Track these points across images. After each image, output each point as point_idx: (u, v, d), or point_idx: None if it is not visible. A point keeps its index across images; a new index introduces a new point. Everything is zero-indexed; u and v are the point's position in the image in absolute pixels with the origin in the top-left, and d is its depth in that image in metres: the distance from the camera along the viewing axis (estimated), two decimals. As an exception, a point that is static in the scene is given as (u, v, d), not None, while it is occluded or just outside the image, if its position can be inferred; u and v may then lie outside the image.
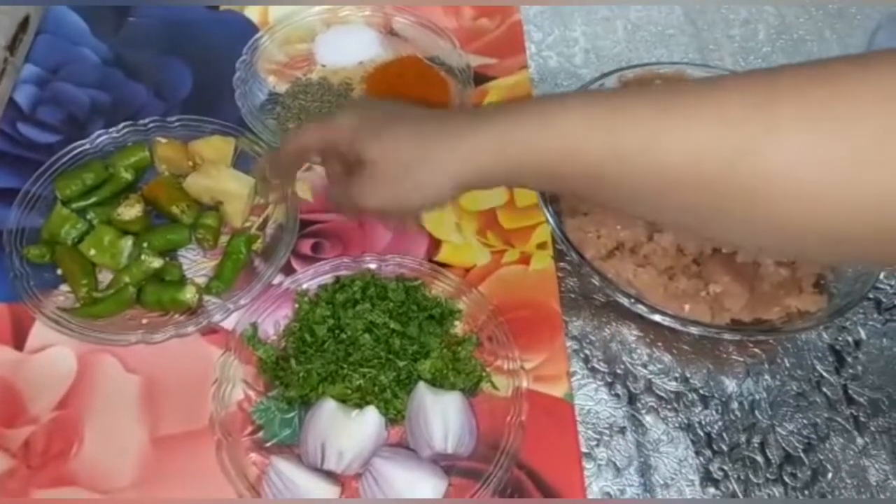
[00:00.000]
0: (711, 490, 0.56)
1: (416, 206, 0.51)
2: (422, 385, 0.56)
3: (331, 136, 0.53)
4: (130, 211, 0.65)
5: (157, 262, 0.62)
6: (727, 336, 0.60)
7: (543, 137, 0.43)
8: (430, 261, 0.65)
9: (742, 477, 0.57)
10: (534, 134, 0.43)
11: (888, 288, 0.67)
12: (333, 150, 0.53)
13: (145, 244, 0.64)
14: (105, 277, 0.63)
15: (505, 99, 0.77)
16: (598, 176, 0.42)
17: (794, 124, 0.35)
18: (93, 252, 0.63)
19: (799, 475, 0.57)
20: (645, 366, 0.62)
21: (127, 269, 0.62)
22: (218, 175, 0.66)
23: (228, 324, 0.61)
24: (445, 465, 0.55)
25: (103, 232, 0.63)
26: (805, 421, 0.60)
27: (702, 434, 0.59)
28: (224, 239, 0.65)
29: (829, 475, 0.57)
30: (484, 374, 0.59)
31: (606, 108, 0.42)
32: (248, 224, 0.66)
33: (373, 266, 0.63)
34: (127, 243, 0.63)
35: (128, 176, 0.67)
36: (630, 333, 0.63)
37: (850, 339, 0.64)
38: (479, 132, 0.46)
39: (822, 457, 0.58)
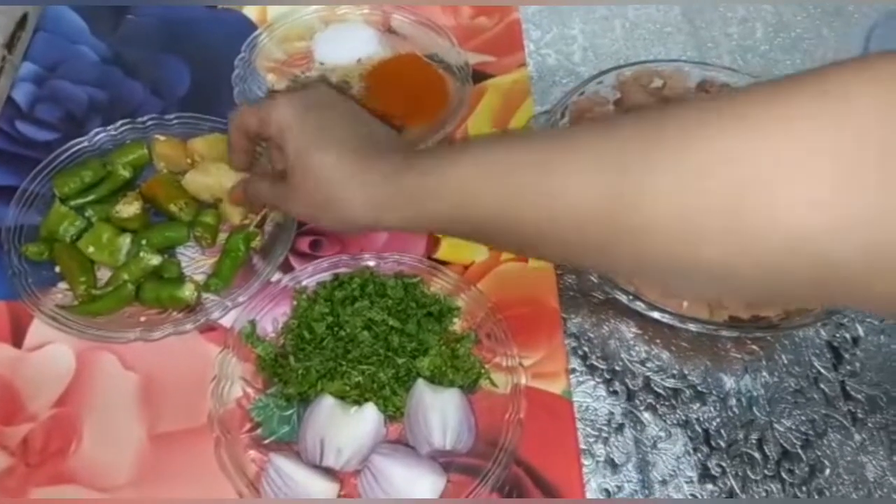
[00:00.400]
0: (709, 486, 0.56)
1: (335, 230, 0.54)
2: (421, 382, 0.56)
3: (264, 131, 0.54)
4: (129, 209, 0.65)
5: (155, 260, 0.62)
6: (725, 333, 0.60)
7: (443, 188, 0.45)
8: (429, 258, 0.65)
9: (740, 473, 0.57)
10: (435, 184, 0.45)
11: (886, 285, 0.67)
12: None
13: (143, 241, 0.63)
14: (103, 275, 0.63)
15: (504, 97, 0.77)
16: (492, 222, 0.43)
17: (669, 165, 0.35)
18: (91, 249, 0.63)
19: (797, 471, 0.57)
20: (643, 363, 0.62)
21: (125, 267, 0.62)
22: (217, 172, 0.66)
23: (227, 321, 0.61)
24: (444, 461, 0.55)
25: (102, 229, 0.63)
26: (803, 417, 0.60)
27: (700, 431, 0.59)
28: (222, 237, 0.65)
29: (827, 471, 0.57)
30: (483, 371, 0.59)
31: (498, 156, 0.43)
32: (246, 221, 0.66)
33: (371, 263, 0.63)
34: (125, 241, 0.63)
35: (126, 174, 0.67)
36: (628, 330, 0.63)
37: (847, 336, 0.64)
38: (389, 180, 0.48)
39: (819, 453, 0.58)
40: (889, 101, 0.30)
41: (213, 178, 0.66)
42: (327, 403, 0.54)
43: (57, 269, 0.63)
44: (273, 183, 0.56)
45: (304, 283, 0.62)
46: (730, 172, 0.33)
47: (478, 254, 0.66)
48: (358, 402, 0.55)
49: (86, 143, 0.69)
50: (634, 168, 0.36)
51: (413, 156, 0.49)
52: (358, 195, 0.48)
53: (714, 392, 0.60)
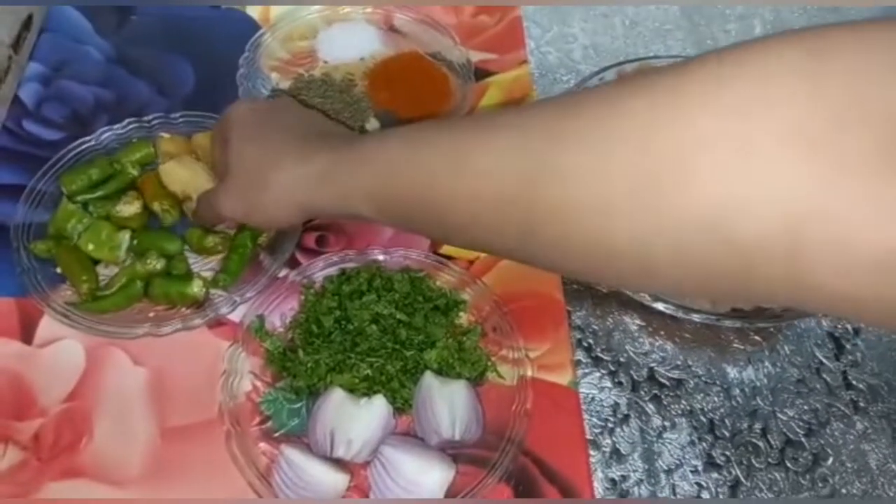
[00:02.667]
0: (714, 475, 0.57)
1: (264, 224, 0.54)
2: (428, 374, 0.56)
3: (216, 132, 0.56)
4: (129, 208, 0.65)
5: (160, 264, 0.63)
6: (728, 324, 0.61)
7: (366, 166, 0.44)
8: (435, 253, 0.66)
9: (744, 462, 0.58)
10: (355, 167, 0.45)
11: (885, 276, 0.68)
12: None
13: (135, 242, 0.64)
14: (104, 273, 0.64)
15: (506, 94, 0.78)
16: (414, 202, 0.42)
17: (583, 141, 0.33)
18: (91, 247, 0.63)
19: (800, 460, 0.58)
20: (647, 354, 0.62)
21: (131, 269, 0.63)
22: (190, 167, 0.66)
23: (235, 316, 0.62)
24: (453, 452, 0.55)
25: (100, 227, 0.64)
26: (805, 407, 0.61)
27: (704, 420, 0.59)
28: (216, 239, 0.65)
29: (830, 460, 0.58)
30: (489, 363, 0.59)
31: (423, 135, 0.43)
32: (230, 229, 0.66)
33: (378, 258, 0.64)
34: (124, 237, 0.64)
35: (134, 172, 0.68)
36: (632, 322, 0.64)
37: (848, 326, 0.65)
38: (317, 160, 0.47)
39: (822, 442, 0.59)
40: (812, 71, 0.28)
41: (187, 171, 0.66)
42: (337, 396, 0.55)
43: (58, 269, 0.63)
44: (210, 190, 0.56)
45: (311, 277, 0.63)
46: (644, 145, 0.31)
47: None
48: (367, 395, 0.56)
49: (93, 142, 0.69)
50: (551, 145, 0.35)
51: (346, 139, 0.49)
52: (287, 174, 0.48)
53: (718, 382, 0.61)
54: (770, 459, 0.58)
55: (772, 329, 0.64)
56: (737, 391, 0.61)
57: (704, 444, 0.58)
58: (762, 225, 0.28)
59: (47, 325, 0.61)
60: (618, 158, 0.32)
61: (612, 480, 0.57)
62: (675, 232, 0.31)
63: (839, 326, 0.65)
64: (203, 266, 0.65)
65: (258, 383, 0.59)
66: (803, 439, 0.59)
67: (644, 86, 0.33)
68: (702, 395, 0.61)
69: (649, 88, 0.32)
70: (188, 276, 0.63)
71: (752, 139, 0.28)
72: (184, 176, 0.66)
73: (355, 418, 0.54)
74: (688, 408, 0.60)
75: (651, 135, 0.31)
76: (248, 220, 0.55)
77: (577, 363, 0.61)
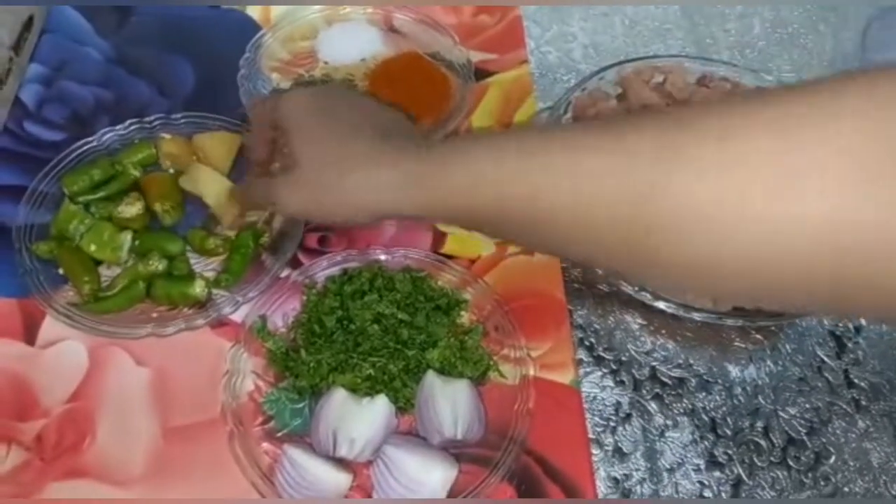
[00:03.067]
0: (717, 474, 0.57)
1: (334, 222, 0.53)
2: (431, 373, 0.56)
3: (275, 119, 0.53)
4: (131, 209, 0.65)
5: (162, 265, 0.63)
6: (729, 322, 0.61)
7: (464, 168, 0.44)
8: (436, 252, 0.66)
9: (746, 460, 0.58)
10: (443, 176, 0.44)
11: (886, 275, 0.68)
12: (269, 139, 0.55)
13: (137, 242, 0.64)
14: (107, 274, 0.64)
15: (506, 94, 0.78)
16: (513, 206, 0.42)
17: (700, 162, 0.35)
18: (93, 248, 0.63)
19: (802, 458, 0.58)
20: (649, 353, 0.62)
21: (133, 270, 0.63)
22: (207, 174, 0.67)
23: (238, 316, 0.62)
24: (455, 452, 0.55)
25: (102, 227, 0.64)
26: (807, 405, 0.61)
27: (706, 419, 0.59)
28: (217, 241, 0.65)
29: (832, 458, 0.58)
30: (491, 362, 0.59)
31: (527, 139, 0.42)
32: (235, 225, 0.66)
33: (380, 258, 0.64)
34: (126, 237, 0.64)
35: (136, 173, 0.68)
36: (634, 322, 0.64)
37: (850, 324, 0.65)
38: (402, 162, 0.47)
39: (824, 440, 0.59)
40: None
41: (206, 178, 0.67)
42: (339, 395, 0.55)
43: (60, 270, 0.63)
44: (270, 180, 0.54)
45: (313, 277, 0.63)
46: (762, 167, 0.33)
47: (484, 248, 0.67)
48: (369, 394, 0.56)
49: (94, 143, 0.69)
50: (665, 158, 0.35)
51: (429, 141, 0.49)
52: (366, 178, 0.47)
53: (719, 381, 0.61)
54: (772, 458, 0.58)
55: (773, 327, 0.64)
56: (738, 390, 0.61)
57: (706, 442, 0.58)
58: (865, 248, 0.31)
59: (50, 326, 0.61)
60: (735, 178, 0.34)
61: (615, 479, 0.57)
62: (785, 248, 0.33)
63: (840, 325, 0.65)
64: (205, 266, 0.65)
65: (260, 383, 0.59)
66: (805, 438, 0.59)
67: (757, 109, 0.35)
68: (704, 393, 0.61)
69: (761, 112, 0.34)
70: (190, 276, 0.63)
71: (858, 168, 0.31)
72: (200, 182, 0.67)
73: (358, 418, 0.54)
74: (690, 406, 0.60)
75: (768, 159, 0.33)
76: (307, 216, 0.56)
77: (579, 362, 0.62)
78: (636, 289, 0.60)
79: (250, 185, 0.59)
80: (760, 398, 0.61)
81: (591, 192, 0.38)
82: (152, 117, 0.71)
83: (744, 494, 0.56)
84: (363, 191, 0.48)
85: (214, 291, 0.63)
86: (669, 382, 0.61)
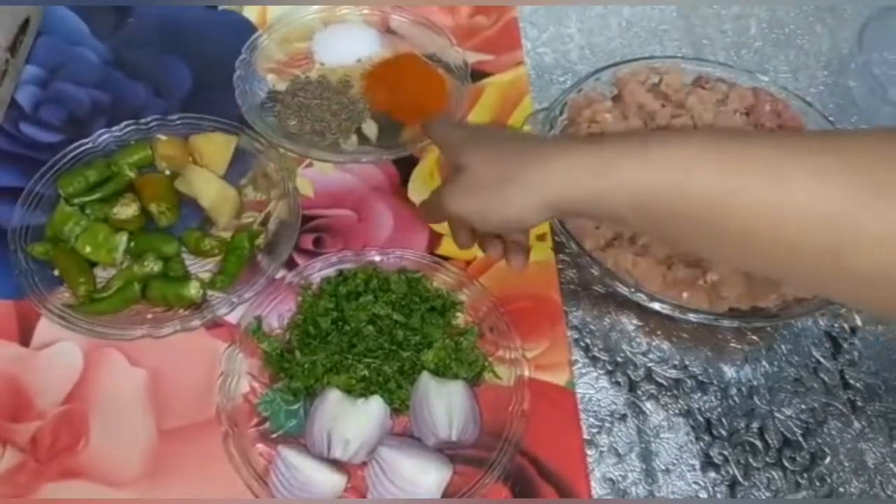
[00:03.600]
0: (712, 474, 0.57)
1: (499, 222, 0.50)
2: (426, 374, 0.56)
3: (442, 138, 0.55)
4: (126, 210, 0.65)
5: (157, 266, 0.63)
6: (725, 323, 0.60)
7: (644, 167, 0.42)
8: (432, 253, 0.66)
9: (742, 461, 0.58)
10: (635, 162, 0.43)
11: (882, 275, 0.68)
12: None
13: (132, 244, 0.64)
14: (102, 275, 0.64)
15: (503, 95, 0.78)
16: (705, 210, 0.41)
17: None
18: (88, 249, 0.63)
19: (798, 459, 0.58)
20: (645, 354, 0.62)
21: (128, 271, 0.63)
22: (202, 176, 0.67)
23: (233, 318, 0.62)
24: (450, 453, 0.55)
25: (98, 229, 0.64)
26: (803, 406, 0.61)
27: (701, 420, 0.59)
28: (213, 242, 0.65)
29: (828, 459, 0.58)
30: (486, 364, 0.59)
31: (717, 146, 0.41)
32: (230, 226, 0.67)
33: (375, 259, 0.64)
34: (122, 239, 0.64)
35: (131, 174, 0.68)
36: (630, 322, 0.64)
37: (845, 325, 0.65)
38: (576, 155, 0.45)
39: (820, 441, 0.59)
40: None
41: (201, 179, 0.67)
42: (334, 397, 0.55)
43: (56, 271, 0.63)
44: (438, 188, 0.54)
45: (308, 279, 0.63)
46: None
47: (479, 249, 0.67)
48: (364, 395, 0.56)
49: (90, 145, 0.69)
50: (865, 190, 0.37)
51: (585, 139, 0.49)
52: (538, 169, 0.46)
53: (715, 382, 0.61)
54: (768, 459, 0.58)
55: (769, 328, 0.64)
56: (734, 391, 0.61)
57: (702, 443, 0.58)
58: None
59: (45, 328, 0.61)
60: None
61: (610, 480, 0.57)
62: None
63: (836, 326, 0.65)
64: (200, 268, 0.65)
65: (256, 384, 0.59)
66: (801, 438, 0.59)
67: None
68: (699, 394, 0.61)
69: None
70: (185, 277, 0.63)
71: None
72: (196, 183, 0.67)
73: (352, 419, 0.54)
74: (685, 407, 0.60)
75: None
76: (481, 219, 0.50)
77: (575, 363, 0.62)
78: (632, 290, 0.60)
79: (427, 201, 0.58)
80: (756, 399, 0.61)
81: (791, 204, 0.38)
82: (148, 119, 0.72)
83: (739, 495, 0.56)
84: (536, 181, 0.46)
85: (210, 293, 0.63)
86: (665, 383, 0.61)
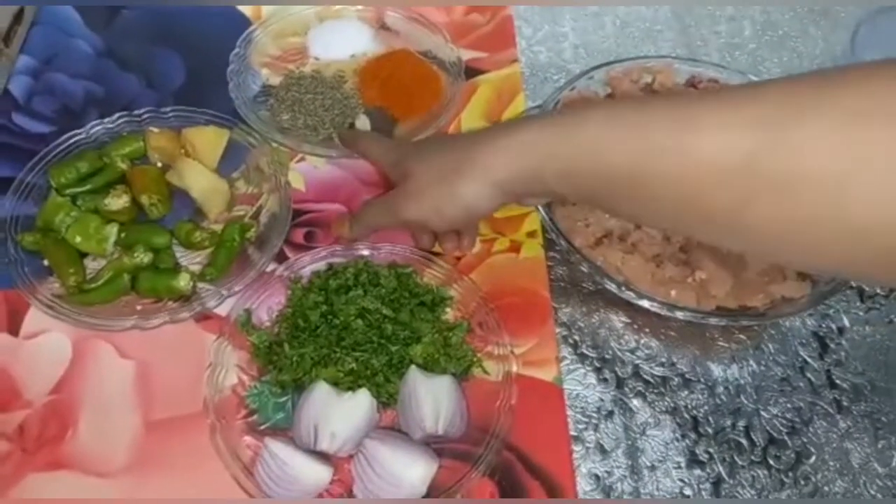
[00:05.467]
0: (697, 472, 0.57)
1: (455, 216, 0.53)
2: (413, 368, 0.56)
3: (377, 156, 0.61)
4: (117, 202, 0.65)
5: (147, 258, 0.63)
6: (713, 321, 0.61)
7: (569, 140, 0.45)
8: (422, 249, 0.66)
9: (727, 459, 0.58)
10: (560, 136, 0.45)
11: (870, 277, 0.68)
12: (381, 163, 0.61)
13: (123, 235, 0.64)
14: (93, 266, 0.64)
15: (496, 92, 0.78)
16: (619, 178, 0.43)
17: (821, 120, 0.35)
18: (78, 240, 0.63)
19: (783, 457, 0.58)
20: (632, 351, 0.63)
21: (118, 262, 0.63)
22: (193, 168, 0.67)
23: (222, 310, 0.62)
24: (437, 447, 0.55)
25: (88, 220, 0.64)
26: (789, 405, 0.61)
27: (688, 417, 0.60)
28: (203, 235, 0.65)
29: (813, 458, 0.58)
30: (475, 359, 0.59)
31: (630, 111, 0.43)
32: (221, 218, 0.67)
33: (365, 253, 0.64)
34: (112, 230, 0.64)
35: (123, 166, 0.68)
36: (618, 320, 0.64)
37: (833, 326, 0.65)
38: (510, 137, 0.48)
39: (805, 440, 0.59)
40: None
41: (193, 172, 0.67)
42: (321, 389, 0.55)
43: (45, 262, 0.63)
44: (384, 197, 0.58)
45: (298, 272, 0.63)
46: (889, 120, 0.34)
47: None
48: (352, 389, 0.56)
49: (83, 136, 0.69)
50: (782, 122, 0.36)
51: (520, 122, 0.50)
52: (483, 156, 0.49)
53: (702, 380, 0.61)
54: (753, 457, 0.58)
55: (756, 328, 0.64)
56: (721, 389, 0.61)
57: (688, 440, 0.59)
58: None
59: (34, 317, 0.61)
60: (857, 133, 0.34)
61: (596, 476, 0.57)
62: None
63: (824, 326, 0.65)
64: (191, 260, 0.65)
65: (244, 377, 0.59)
66: (786, 437, 0.59)
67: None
68: (686, 392, 0.61)
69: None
70: (175, 269, 0.63)
71: None
72: (187, 176, 0.67)
73: (339, 412, 0.54)
74: (672, 405, 0.60)
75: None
76: (438, 217, 0.54)
77: (563, 359, 0.62)
78: (621, 287, 0.60)
79: (368, 206, 0.61)
80: (742, 397, 0.61)
81: (702, 158, 0.39)
82: (141, 111, 0.72)
83: (724, 493, 0.57)
84: (482, 167, 0.49)
85: (199, 285, 0.63)
86: (652, 381, 0.61)
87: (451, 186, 0.51)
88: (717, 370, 0.62)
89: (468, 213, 0.52)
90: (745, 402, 0.61)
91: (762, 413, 0.60)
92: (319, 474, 0.53)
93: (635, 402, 0.60)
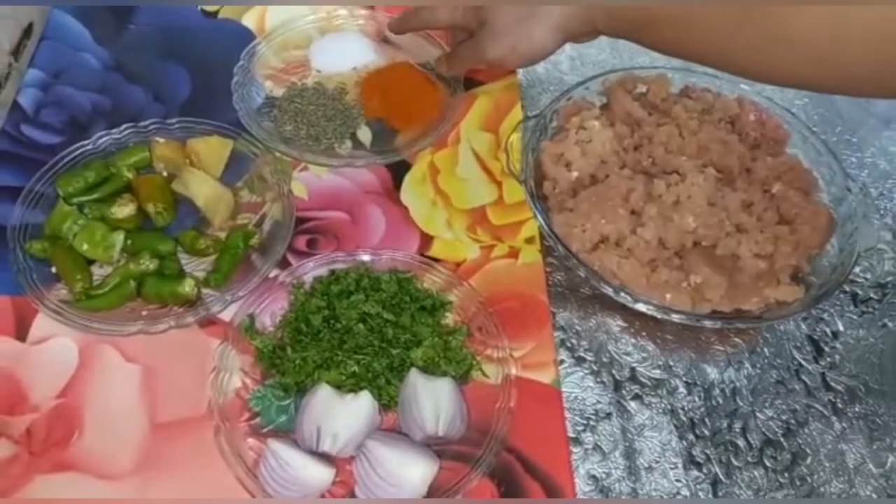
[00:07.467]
0: (694, 473, 0.58)
1: (527, 56, 0.67)
2: (414, 371, 0.57)
3: (444, 18, 0.72)
4: (124, 210, 0.66)
5: (153, 264, 0.64)
6: (708, 324, 0.62)
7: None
8: (422, 255, 0.67)
9: (724, 460, 0.59)
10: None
11: (864, 281, 0.69)
12: (455, 24, 0.72)
13: (129, 242, 0.66)
14: (99, 273, 0.65)
15: (494, 103, 0.80)
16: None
17: None
18: (86, 247, 0.65)
19: (779, 458, 0.59)
20: (629, 354, 0.64)
21: (124, 268, 0.64)
22: (200, 178, 0.69)
23: (226, 315, 0.63)
24: (437, 448, 0.56)
25: (95, 227, 0.65)
26: (784, 407, 0.62)
27: (685, 419, 0.61)
28: (208, 242, 0.67)
29: (808, 459, 0.59)
30: (474, 362, 0.60)
31: None
32: (224, 226, 0.68)
33: (366, 259, 0.65)
34: (119, 237, 0.65)
35: (129, 175, 0.69)
36: (615, 324, 0.65)
37: (827, 329, 0.66)
38: None
39: (801, 441, 0.60)
40: None
41: (197, 181, 0.68)
42: (323, 392, 0.56)
43: (53, 269, 0.65)
44: (467, 45, 0.71)
45: (301, 278, 0.64)
46: None
47: (469, 252, 0.68)
48: (353, 391, 0.57)
49: (90, 146, 0.71)
50: None
51: None
52: (544, 9, 0.63)
53: (698, 383, 0.62)
54: (749, 458, 0.59)
55: (751, 331, 0.65)
56: (717, 391, 0.62)
57: (685, 442, 0.60)
58: None
59: (41, 323, 0.62)
60: None
61: (594, 477, 0.58)
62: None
63: (818, 329, 0.66)
64: (195, 266, 0.66)
65: (248, 380, 0.60)
66: (782, 439, 0.60)
67: None
68: (683, 394, 0.62)
69: None
70: (180, 275, 0.64)
71: None
72: (193, 185, 0.68)
73: (341, 413, 0.55)
74: (669, 407, 0.61)
75: None
76: (513, 55, 0.67)
77: (561, 363, 0.63)
78: (617, 291, 0.61)
79: (459, 47, 0.74)
80: (738, 400, 0.62)
81: None
82: (147, 122, 0.73)
83: (721, 494, 0.57)
84: (551, 15, 0.63)
85: (204, 291, 0.64)
86: (649, 383, 0.62)
87: (525, 30, 0.64)
88: (713, 373, 0.63)
89: (537, 54, 0.66)
90: (741, 404, 0.62)
91: (758, 415, 0.61)
92: (322, 475, 0.54)
93: (632, 405, 0.61)
